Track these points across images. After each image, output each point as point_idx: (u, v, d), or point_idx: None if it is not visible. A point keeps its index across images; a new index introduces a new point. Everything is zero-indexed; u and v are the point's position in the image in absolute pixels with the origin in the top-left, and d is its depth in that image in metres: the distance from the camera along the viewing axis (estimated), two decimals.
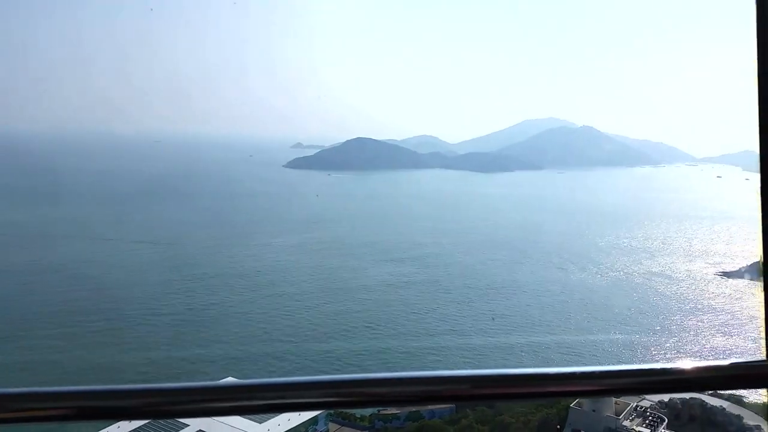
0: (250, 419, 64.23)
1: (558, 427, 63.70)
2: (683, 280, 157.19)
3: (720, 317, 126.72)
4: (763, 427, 63.44)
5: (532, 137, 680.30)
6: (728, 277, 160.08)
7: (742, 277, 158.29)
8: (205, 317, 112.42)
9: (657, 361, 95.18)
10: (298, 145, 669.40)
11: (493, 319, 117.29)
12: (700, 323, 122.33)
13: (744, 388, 2.42)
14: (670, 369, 2.37)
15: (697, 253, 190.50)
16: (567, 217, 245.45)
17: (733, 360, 2.36)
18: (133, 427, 61.49)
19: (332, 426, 73.17)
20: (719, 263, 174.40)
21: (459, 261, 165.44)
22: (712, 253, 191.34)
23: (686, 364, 2.33)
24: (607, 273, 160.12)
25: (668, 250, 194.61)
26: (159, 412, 2.06)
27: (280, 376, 2.17)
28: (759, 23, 2.62)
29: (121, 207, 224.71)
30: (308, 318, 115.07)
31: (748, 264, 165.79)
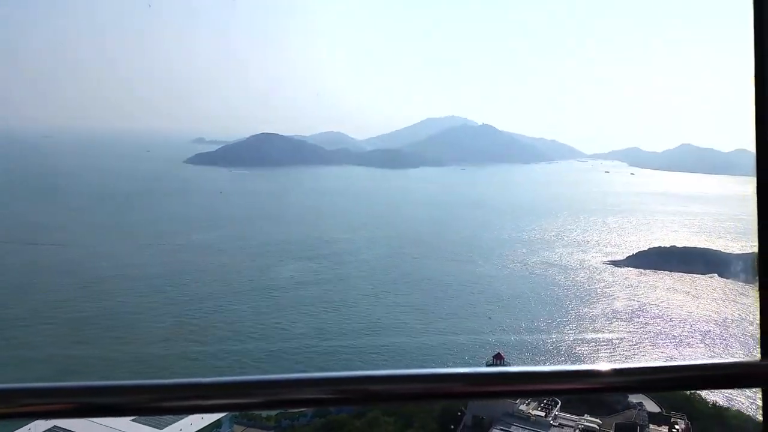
0: (149, 424, 60.80)
1: (459, 413, 65.42)
2: (577, 269, 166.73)
3: (611, 303, 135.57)
4: (645, 404, 68.16)
5: (434, 134, 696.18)
6: (617, 265, 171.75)
7: (628, 265, 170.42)
8: (100, 321, 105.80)
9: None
10: (200, 140, 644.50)
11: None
12: (593, 310, 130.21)
13: (739, 387, 2.41)
14: (666, 367, 2.37)
15: (589, 244, 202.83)
16: (471, 212, 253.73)
17: (729, 359, 2.36)
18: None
19: (237, 428, 70.69)
20: (609, 253, 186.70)
21: (369, 257, 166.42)
22: (602, 243, 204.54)
23: (682, 363, 2.35)
24: (509, 264, 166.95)
25: (563, 242, 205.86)
26: (157, 408, 2.07)
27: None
28: (756, 26, 2.62)
29: None
30: (219, 319, 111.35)
31: (634, 253, 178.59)
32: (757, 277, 2.69)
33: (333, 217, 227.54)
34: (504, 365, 72.52)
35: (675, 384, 2.49)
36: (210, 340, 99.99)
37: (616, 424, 63.22)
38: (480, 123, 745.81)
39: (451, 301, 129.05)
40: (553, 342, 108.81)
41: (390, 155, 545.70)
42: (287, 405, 2.14)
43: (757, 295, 2.66)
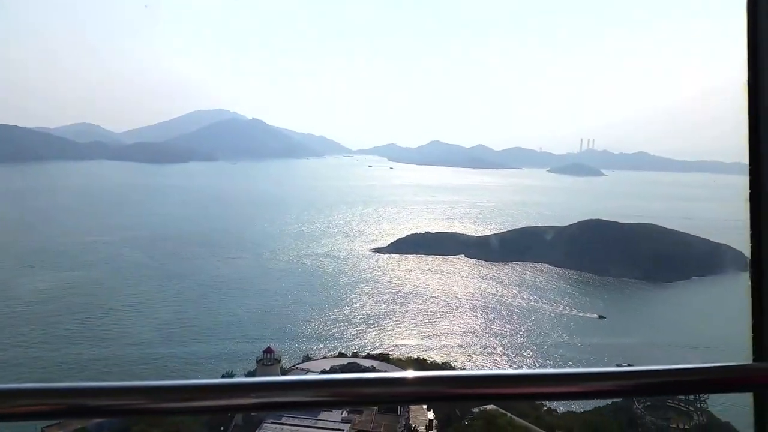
0: None
1: (228, 414, 65.26)
2: (345, 258, 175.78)
3: (375, 286, 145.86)
4: None
5: (203, 128, 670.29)
6: (380, 252, 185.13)
7: (390, 252, 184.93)
8: None
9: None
10: None
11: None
12: (362, 294, 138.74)
13: (730, 391, 2.39)
14: (657, 371, 2.37)
15: (355, 234, 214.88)
16: (242, 207, 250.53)
17: (720, 363, 2.35)
18: None
19: None
20: (374, 241, 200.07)
21: (129, 258, 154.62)
22: (368, 233, 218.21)
23: (673, 367, 2.35)
24: (280, 257, 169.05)
25: (332, 232, 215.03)
26: (150, 410, 2.06)
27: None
28: (749, 34, 2.65)
29: None
30: None
31: (395, 240, 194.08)
32: (749, 282, 2.69)
33: (84, 218, 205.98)
34: (275, 359, 73.93)
35: (667, 388, 2.42)
36: None
37: None
38: (250, 117, 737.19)
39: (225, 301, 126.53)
40: (321, 321, 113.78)
41: (154, 149, 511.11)
42: (280, 407, 2.16)
43: (749, 297, 2.66)
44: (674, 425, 69.76)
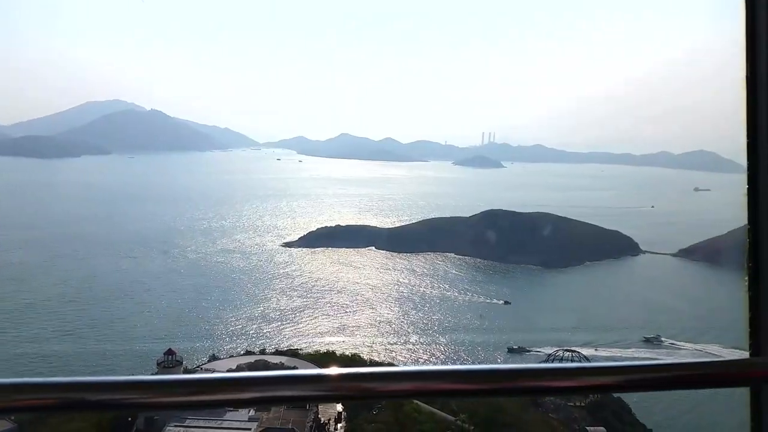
0: None
1: (129, 419, 63.74)
2: (255, 253, 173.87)
3: (288, 281, 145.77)
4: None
5: (97, 120, 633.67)
6: (290, 246, 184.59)
7: (301, 246, 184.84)
8: None
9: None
10: None
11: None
12: (275, 290, 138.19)
13: (727, 386, 2.42)
14: (654, 366, 2.36)
15: (265, 229, 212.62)
16: (142, 203, 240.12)
17: (718, 358, 2.40)
18: None
19: None
20: (284, 236, 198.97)
21: (18, 262, 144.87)
22: (278, 227, 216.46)
23: (670, 361, 2.35)
24: (187, 255, 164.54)
25: (241, 228, 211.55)
26: (148, 404, 2.05)
27: None
28: (747, 32, 2.68)
29: None
30: None
31: (305, 234, 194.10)
32: (746, 277, 2.74)
33: None
34: (176, 360, 72.58)
35: (664, 383, 2.42)
36: None
37: None
38: (149, 108, 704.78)
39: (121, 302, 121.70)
40: (235, 319, 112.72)
41: (43, 143, 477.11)
42: (281, 401, 2.17)
43: (746, 292, 2.70)
44: (572, 403, 75.38)
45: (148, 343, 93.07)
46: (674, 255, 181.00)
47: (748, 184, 2.77)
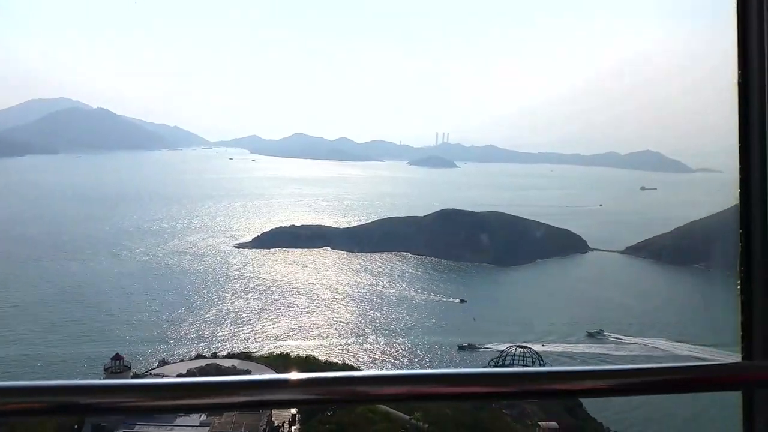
0: None
1: (75, 426, 62.01)
2: (208, 255, 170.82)
3: (242, 283, 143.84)
4: None
5: (41, 119, 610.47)
6: (245, 248, 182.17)
7: (255, 247, 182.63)
8: None
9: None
10: None
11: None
12: (229, 292, 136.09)
13: (720, 389, 2.40)
14: (646, 369, 2.36)
15: (218, 230, 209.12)
16: (90, 204, 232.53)
17: (710, 361, 2.43)
18: None
19: None
20: (238, 236, 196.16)
21: None
22: (231, 228, 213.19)
23: (662, 365, 2.35)
24: (137, 258, 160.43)
25: (193, 229, 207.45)
26: (139, 408, 2.03)
27: None
28: (739, 34, 2.70)
29: None
30: None
31: (259, 235, 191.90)
32: (738, 281, 2.73)
33: None
34: (124, 366, 70.62)
35: (656, 387, 2.42)
36: None
37: None
38: (95, 106, 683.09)
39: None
40: (190, 322, 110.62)
41: None
42: (272, 405, 2.15)
43: (738, 296, 2.69)
44: None
45: (97, 347, 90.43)
46: (621, 252, 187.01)
47: (740, 188, 2.76)
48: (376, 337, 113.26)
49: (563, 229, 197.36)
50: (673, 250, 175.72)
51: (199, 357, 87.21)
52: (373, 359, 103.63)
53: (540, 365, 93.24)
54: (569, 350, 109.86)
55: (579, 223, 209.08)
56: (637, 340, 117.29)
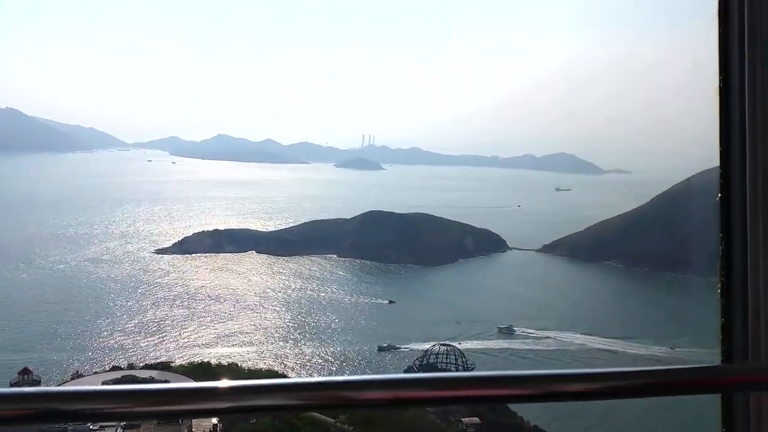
0: None
1: None
2: (128, 262, 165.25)
3: (164, 291, 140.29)
4: None
5: None
6: (166, 253, 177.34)
7: (176, 252, 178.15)
8: None
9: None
10: None
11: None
12: (149, 300, 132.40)
13: (701, 392, 2.38)
14: (627, 373, 2.34)
15: (136, 235, 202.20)
16: None
17: (690, 365, 2.37)
18: None
19: None
20: (158, 242, 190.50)
21: None
22: (150, 233, 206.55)
23: (643, 369, 2.33)
24: (52, 266, 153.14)
25: (111, 235, 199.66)
26: (122, 414, 2.02)
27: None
28: (720, 40, 2.72)
29: None
30: None
31: (180, 239, 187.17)
32: (718, 285, 2.75)
33: None
34: (33, 380, 67.98)
35: (637, 391, 2.40)
36: None
37: None
38: (3, 107, 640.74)
39: None
40: (109, 333, 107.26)
41: None
42: (257, 411, 2.10)
43: (718, 300, 2.71)
44: None
45: (10, 359, 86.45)
46: (538, 251, 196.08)
47: (721, 192, 2.78)
48: (304, 342, 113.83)
49: (485, 229, 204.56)
50: (586, 247, 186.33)
51: (115, 369, 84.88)
52: (304, 363, 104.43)
53: (463, 362, 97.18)
54: (483, 347, 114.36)
55: (499, 224, 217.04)
56: (546, 333, 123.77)
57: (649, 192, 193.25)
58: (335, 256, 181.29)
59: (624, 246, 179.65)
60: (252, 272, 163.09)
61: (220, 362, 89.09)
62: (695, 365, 2.37)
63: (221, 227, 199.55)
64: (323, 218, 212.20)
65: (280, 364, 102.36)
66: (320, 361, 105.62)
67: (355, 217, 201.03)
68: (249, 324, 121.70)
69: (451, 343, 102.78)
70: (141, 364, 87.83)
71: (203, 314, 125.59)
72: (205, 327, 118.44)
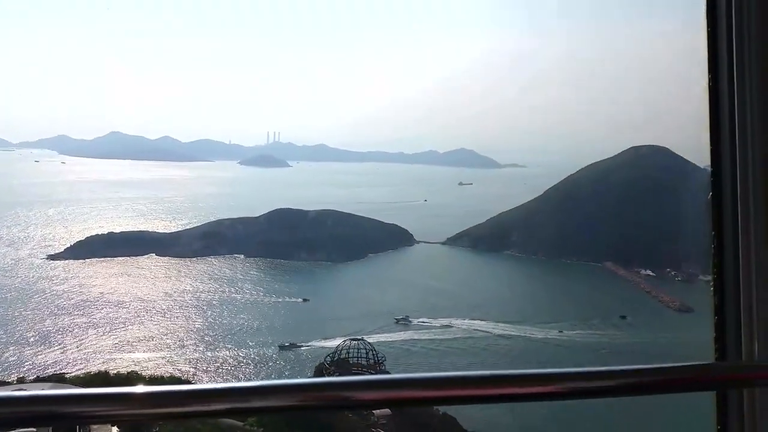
0: None
1: None
2: (19, 268, 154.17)
3: (54, 299, 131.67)
4: None
5: None
6: (57, 259, 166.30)
7: (68, 258, 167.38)
8: None
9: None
10: None
11: None
12: (38, 309, 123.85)
13: (694, 390, 2.38)
14: (619, 371, 2.34)
15: (25, 241, 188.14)
16: None
17: (683, 362, 2.36)
18: None
19: None
20: (48, 247, 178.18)
21: None
22: (39, 238, 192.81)
23: (636, 367, 2.32)
24: None
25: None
26: (118, 417, 2.00)
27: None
28: (709, 41, 2.72)
29: None
30: None
31: (73, 244, 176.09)
32: (711, 283, 2.77)
33: None
34: None
35: (630, 389, 2.38)
36: None
37: None
38: None
39: None
40: None
41: None
42: (255, 412, 2.09)
43: (711, 297, 2.72)
44: None
45: None
46: (443, 243, 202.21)
47: (712, 191, 2.80)
48: (207, 346, 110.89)
49: (392, 224, 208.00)
50: (487, 238, 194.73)
51: (1, 384, 78.59)
52: (219, 366, 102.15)
53: (374, 355, 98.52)
54: (383, 339, 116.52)
55: (406, 218, 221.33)
56: (441, 321, 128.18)
57: (543, 184, 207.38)
58: (242, 256, 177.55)
59: (521, 236, 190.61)
60: (152, 276, 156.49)
61: (118, 371, 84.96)
62: (690, 363, 2.37)
63: (117, 230, 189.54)
64: (228, 217, 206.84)
65: (193, 368, 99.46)
66: (234, 363, 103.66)
67: (262, 215, 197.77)
68: (152, 329, 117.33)
69: (363, 338, 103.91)
70: (32, 377, 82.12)
71: (99, 323, 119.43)
72: (100, 335, 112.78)
